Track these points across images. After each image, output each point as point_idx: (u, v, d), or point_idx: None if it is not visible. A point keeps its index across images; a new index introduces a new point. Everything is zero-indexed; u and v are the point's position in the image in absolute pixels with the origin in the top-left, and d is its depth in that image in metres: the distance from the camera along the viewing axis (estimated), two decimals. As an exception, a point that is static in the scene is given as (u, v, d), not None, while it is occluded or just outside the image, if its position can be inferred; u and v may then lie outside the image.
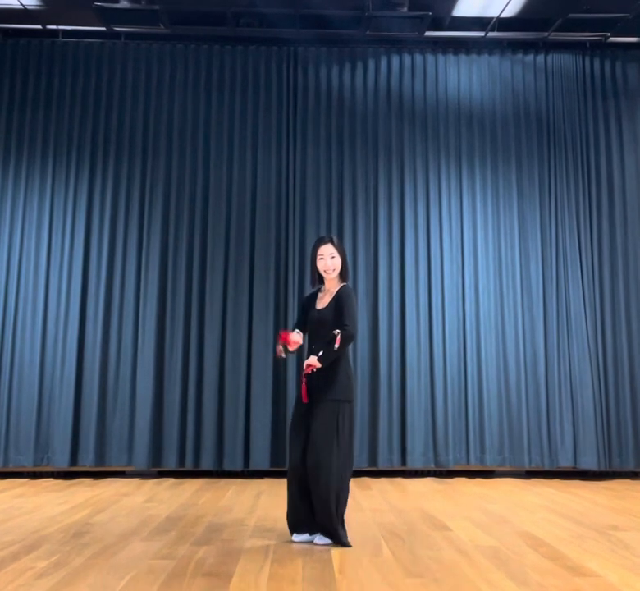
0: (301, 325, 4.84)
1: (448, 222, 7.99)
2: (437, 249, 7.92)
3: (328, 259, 4.73)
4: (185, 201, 7.92)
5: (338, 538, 4.45)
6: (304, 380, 4.59)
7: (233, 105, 8.14)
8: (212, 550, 4.29)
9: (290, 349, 4.64)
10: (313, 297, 4.86)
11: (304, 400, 4.57)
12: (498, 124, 8.20)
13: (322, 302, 4.78)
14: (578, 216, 8.02)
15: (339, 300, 4.69)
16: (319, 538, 4.52)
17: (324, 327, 4.65)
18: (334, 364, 4.58)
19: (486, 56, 8.34)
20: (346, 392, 4.60)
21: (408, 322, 7.74)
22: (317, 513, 4.48)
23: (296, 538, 4.57)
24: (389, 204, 8.02)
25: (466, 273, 7.86)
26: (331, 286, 4.80)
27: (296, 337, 4.61)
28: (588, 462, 7.48)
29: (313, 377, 4.59)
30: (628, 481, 7.52)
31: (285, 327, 7.67)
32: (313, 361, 4.51)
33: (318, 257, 4.76)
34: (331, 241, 4.78)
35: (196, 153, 8.04)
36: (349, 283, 4.91)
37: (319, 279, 4.83)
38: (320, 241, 4.82)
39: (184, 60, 8.19)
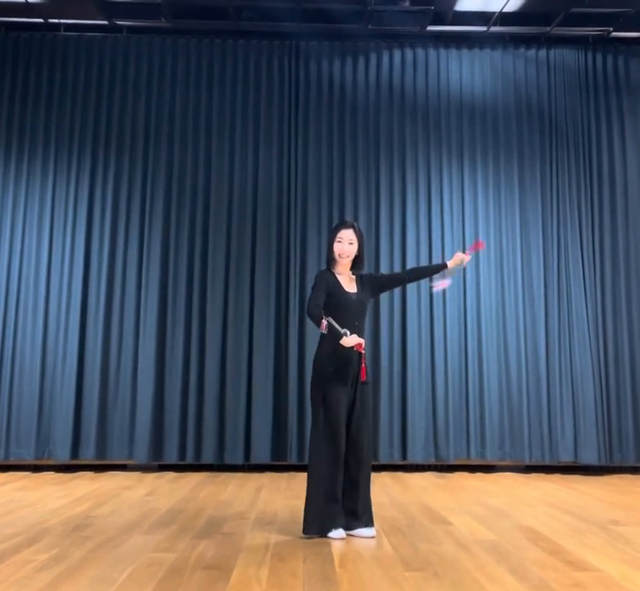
0: (322, 303, 4.65)
1: (449, 216, 7.99)
2: (439, 244, 7.92)
3: (346, 244, 4.74)
4: (187, 195, 7.93)
5: (372, 522, 4.60)
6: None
7: (234, 99, 8.13)
8: (212, 543, 4.30)
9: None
10: (334, 277, 4.77)
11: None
12: (500, 119, 8.19)
13: (350, 286, 4.78)
14: (580, 210, 8.01)
15: (373, 278, 4.96)
16: (367, 531, 4.51)
17: (363, 310, 4.79)
18: None
19: (488, 50, 8.33)
20: None
21: (409, 317, 7.74)
22: (362, 499, 4.55)
23: (336, 534, 4.46)
24: (390, 199, 8.02)
25: (467, 268, 7.84)
26: (344, 270, 4.81)
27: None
28: (589, 457, 7.49)
29: (362, 359, 4.65)
30: (628, 476, 7.53)
31: (287, 319, 7.69)
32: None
33: (336, 239, 4.76)
34: (354, 227, 4.79)
35: (198, 147, 8.03)
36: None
37: (332, 260, 4.82)
38: (343, 224, 4.84)
39: (185, 54, 8.18)
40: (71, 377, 7.51)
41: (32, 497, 5.89)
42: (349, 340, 4.46)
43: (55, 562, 3.83)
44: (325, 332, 4.50)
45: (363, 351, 4.60)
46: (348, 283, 4.78)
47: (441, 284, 4.98)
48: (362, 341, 4.53)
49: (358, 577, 3.59)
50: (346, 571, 3.69)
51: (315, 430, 4.59)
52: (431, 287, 5.09)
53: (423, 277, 5.14)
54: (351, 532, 4.51)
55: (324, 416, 4.55)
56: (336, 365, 4.58)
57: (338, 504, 4.51)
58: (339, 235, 4.77)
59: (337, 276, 4.78)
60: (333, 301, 4.66)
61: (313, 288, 4.69)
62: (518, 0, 7.54)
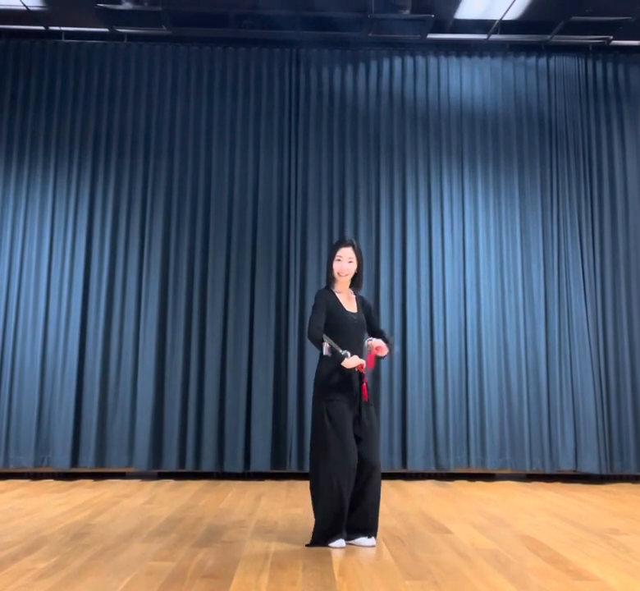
0: (322, 324, 4.68)
1: (450, 223, 7.98)
2: (439, 251, 7.92)
3: (345, 262, 4.75)
4: (187, 203, 7.92)
5: (376, 534, 4.58)
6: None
7: (235, 107, 8.14)
8: (212, 552, 4.28)
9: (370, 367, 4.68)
10: (334, 297, 4.78)
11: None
12: (500, 126, 8.20)
13: (350, 305, 4.79)
14: (580, 217, 8.01)
15: (370, 310, 4.94)
16: (367, 540, 4.49)
17: (362, 330, 4.79)
18: None
19: (488, 58, 8.34)
20: None
21: (409, 324, 7.73)
22: (370, 513, 4.52)
23: (337, 543, 4.44)
24: (390, 206, 8.02)
25: (467, 274, 7.86)
26: (343, 288, 4.82)
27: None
28: (589, 465, 7.46)
29: (363, 378, 4.66)
30: (628, 484, 7.51)
31: (287, 327, 7.69)
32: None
33: (336, 258, 4.77)
34: (353, 245, 4.80)
35: (198, 155, 8.04)
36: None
37: (332, 279, 4.83)
38: (342, 242, 4.83)
39: (186, 61, 8.19)
40: (71, 384, 7.50)
41: (31, 505, 5.88)
42: (350, 361, 4.50)
43: (54, 570, 3.82)
44: (327, 355, 4.52)
45: (364, 371, 4.62)
46: (347, 302, 4.80)
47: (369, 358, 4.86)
48: (363, 362, 4.56)
49: (357, 586, 3.58)
50: (346, 580, 3.68)
51: (322, 444, 4.52)
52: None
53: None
54: (351, 541, 4.51)
55: (332, 430, 4.50)
56: (339, 380, 4.58)
57: (342, 515, 4.47)
58: (338, 253, 4.78)
59: (337, 294, 4.79)
60: (333, 321, 4.69)
61: (313, 308, 4.71)
62: (518, 8, 7.55)
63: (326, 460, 4.48)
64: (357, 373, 4.61)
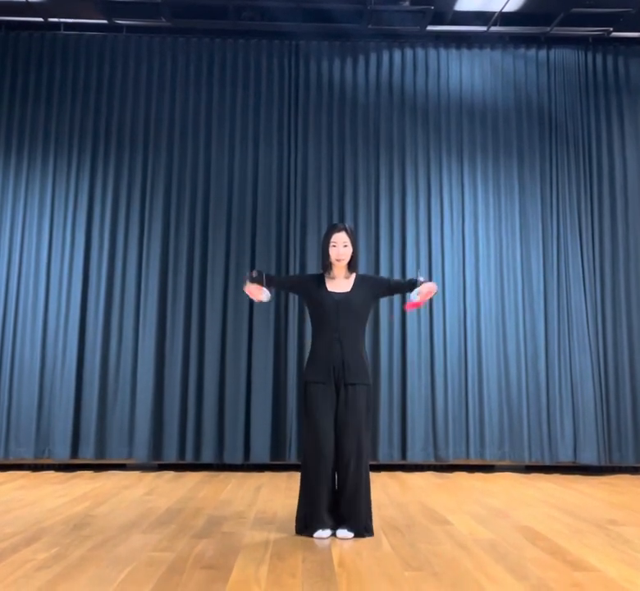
0: (285, 281, 5.09)
1: (449, 216, 7.98)
2: (438, 244, 7.91)
3: (341, 247, 4.72)
4: (186, 195, 7.92)
5: (370, 530, 4.51)
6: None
7: (234, 98, 8.13)
8: (211, 543, 4.30)
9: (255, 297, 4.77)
10: (321, 280, 4.79)
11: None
12: (500, 119, 8.19)
13: (339, 287, 4.75)
14: (580, 210, 8.01)
15: (374, 279, 5.12)
16: (342, 532, 4.45)
17: (348, 308, 4.67)
18: (361, 346, 4.69)
19: (488, 50, 8.32)
20: (370, 376, 4.70)
21: (408, 316, 7.73)
22: (350, 504, 4.48)
23: (323, 534, 4.44)
24: (390, 199, 8.01)
25: (467, 268, 7.86)
26: (340, 273, 4.79)
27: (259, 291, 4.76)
28: (588, 457, 7.48)
29: (347, 357, 4.61)
30: (627, 476, 7.53)
31: (287, 319, 7.69)
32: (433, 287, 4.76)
33: (331, 244, 4.74)
34: (346, 230, 4.77)
35: (197, 147, 8.03)
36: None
37: (329, 265, 4.81)
38: (334, 228, 4.80)
39: (185, 53, 8.18)
40: (71, 376, 7.51)
41: (31, 496, 5.89)
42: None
43: (54, 561, 3.83)
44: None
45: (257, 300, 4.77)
46: (338, 284, 4.77)
47: (413, 304, 4.88)
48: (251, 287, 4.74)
49: (357, 577, 3.59)
50: (345, 571, 3.69)
51: (304, 430, 4.64)
52: (404, 308, 5.05)
53: (399, 291, 5.10)
54: (334, 532, 4.49)
55: (309, 415, 4.56)
56: (315, 363, 4.63)
57: (322, 505, 4.48)
58: (332, 239, 4.75)
59: (329, 279, 4.79)
60: (312, 302, 4.76)
61: None
62: (518, 0, 7.53)
63: (305, 447, 4.57)
64: (338, 349, 4.60)
